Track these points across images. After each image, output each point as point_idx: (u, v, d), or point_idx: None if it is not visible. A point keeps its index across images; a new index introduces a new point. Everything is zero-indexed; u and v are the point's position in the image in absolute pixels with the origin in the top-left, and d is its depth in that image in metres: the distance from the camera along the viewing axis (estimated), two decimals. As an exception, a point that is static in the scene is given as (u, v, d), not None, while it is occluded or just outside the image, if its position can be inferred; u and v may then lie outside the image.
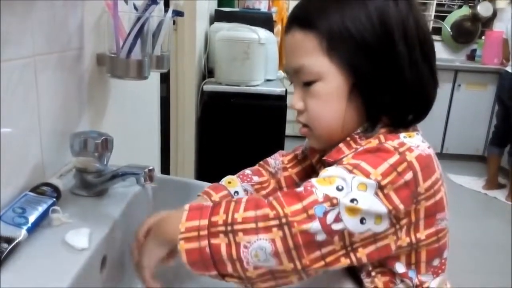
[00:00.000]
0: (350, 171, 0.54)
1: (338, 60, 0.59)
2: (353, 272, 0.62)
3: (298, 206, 0.51)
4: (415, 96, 0.61)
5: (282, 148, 2.04)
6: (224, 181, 0.75)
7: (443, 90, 3.99)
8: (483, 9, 4.39)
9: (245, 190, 0.74)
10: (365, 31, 0.58)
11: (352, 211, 0.51)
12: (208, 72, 2.32)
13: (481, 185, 3.55)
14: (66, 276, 0.49)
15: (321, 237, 0.51)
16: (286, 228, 0.51)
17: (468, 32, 4.49)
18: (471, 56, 4.49)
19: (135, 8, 0.79)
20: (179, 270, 0.74)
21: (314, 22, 0.60)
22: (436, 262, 0.62)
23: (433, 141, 4.46)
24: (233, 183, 0.75)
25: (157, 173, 0.88)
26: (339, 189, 0.52)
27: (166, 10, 0.89)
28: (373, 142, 0.59)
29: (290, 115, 2.68)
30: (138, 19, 0.72)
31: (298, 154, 0.79)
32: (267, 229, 0.51)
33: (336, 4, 0.60)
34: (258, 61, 2.08)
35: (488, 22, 4.46)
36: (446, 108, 4.08)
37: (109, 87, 0.92)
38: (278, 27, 3.30)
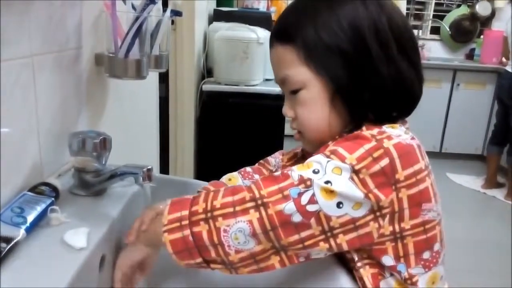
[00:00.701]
0: (327, 156, 0.57)
1: (315, 69, 0.63)
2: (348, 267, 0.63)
3: (274, 187, 0.55)
4: (396, 93, 0.63)
5: (281, 148, 2.04)
6: (224, 178, 0.77)
7: (442, 90, 3.99)
8: (482, 9, 4.39)
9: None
10: (337, 38, 0.61)
11: (327, 192, 0.54)
12: (207, 72, 2.32)
13: (480, 184, 3.56)
14: (65, 276, 0.49)
15: (297, 218, 0.54)
16: (262, 208, 0.54)
17: (467, 32, 4.49)
18: (470, 56, 4.49)
19: (133, 7, 0.79)
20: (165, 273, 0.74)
21: (291, 36, 0.64)
22: (426, 255, 0.61)
23: (432, 140, 4.44)
24: (233, 180, 0.76)
25: (156, 172, 0.88)
26: (315, 172, 0.55)
27: (164, 10, 0.89)
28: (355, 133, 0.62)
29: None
30: (136, 18, 0.72)
31: (297, 152, 0.81)
32: (244, 211, 0.55)
33: (309, 16, 0.63)
34: (257, 60, 2.08)
35: (486, 21, 4.46)
36: (445, 107, 4.08)
37: (107, 87, 0.92)
38: (277, 27, 3.30)
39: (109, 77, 0.79)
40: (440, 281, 0.65)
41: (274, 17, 3.04)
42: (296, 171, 0.56)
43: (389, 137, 0.58)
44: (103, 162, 0.69)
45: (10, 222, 0.54)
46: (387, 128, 0.60)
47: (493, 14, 4.42)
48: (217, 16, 2.50)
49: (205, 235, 0.55)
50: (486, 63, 4.14)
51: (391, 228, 0.57)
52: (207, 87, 2.12)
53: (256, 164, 0.83)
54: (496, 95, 3.37)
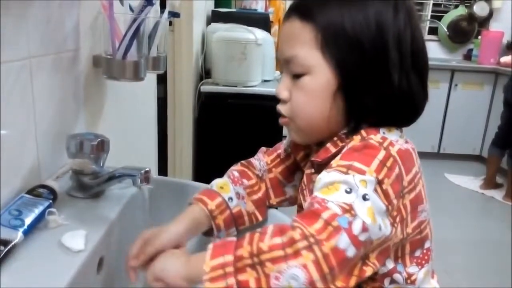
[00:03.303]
0: (346, 173, 0.53)
1: (330, 57, 0.60)
2: None
3: (319, 223, 0.49)
4: (401, 105, 0.61)
5: (280, 149, 2.04)
6: (215, 186, 0.73)
7: (439, 90, 4.00)
8: (480, 9, 4.40)
9: (237, 193, 0.72)
10: (360, 32, 0.58)
11: (372, 213, 0.51)
12: (205, 73, 2.32)
13: (478, 185, 3.56)
14: (63, 278, 0.49)
15: (351, 251, 0.48)
16: (316, 248, 0.48)
17: (465, 32, 4.50)
18: (468, 56, 4.50)
19: (131, 9, 0.79)
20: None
21: (313, 15, 0.60)
22: (418, 253, 0.63)
23: (430, 141, 4.44)
24: (225, 188, 0.72)
25: (154, 174, 0.88)
26: (347, 192, 0.52)
27: (162, 11, 0.89)
28: (356, 139, 0.60)
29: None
30: (134, 20, 0.72)
31: (280, 153, 0.79)
32: (297, 254, 0.48)
33: (339, 1, 0.60)
34: (255, 61, 2.08)
35: (484, 22, 4.47)
36: (443, 108, 4.08)
37: (105, 88, 0.92)
38: (275, 28, 3.30)
39: (107, 79, 0.79)
40: (430, 277, 0.67)
41: (272, 18, 3.05)
42: (330, 199, 0.51)
43: (392, 144, 0.57)
44: (101, 164, 0.69)
45: (8, 225, 0.54)
46: (384, 134, 0.60)
47: (490, 14, 4.43)
48: (215, 17, 2.50)
49: (252, 284, 0.48)
50: (484, 63, 4.15)
51: (401, 236, 0.57)
52: (205, 88, 2.12)
53: (239, 165, 0.78)
54: (503, 97, 3.34)
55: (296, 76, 0.62)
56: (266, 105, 2.09)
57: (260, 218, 0.74)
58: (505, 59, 4.02)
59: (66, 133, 0.69)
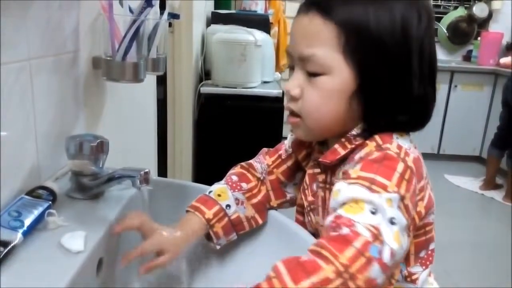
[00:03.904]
0: (370, 189, 0.52)
1: (351, 58, 0.58)
2: None
3: (351, 251, 0.47)
4: (416, 110, 0.61)
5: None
6: (213, 193, 0.71)
7: (439, 91, 3.97)
8: (479, 10, 4.40)
9: (237, 199, 0.71)
10: (385, 36, 0.57)
11: (397, 237, 0.50)
12: (205, 74, 2.32)
13: (478, 186, 3.56)
14: (62, 279, 0.49)
15: (381, 278, 0.48)
16: (351, 283, 0.46)
17: (464, 33, 4.50)
18: (467, 57, 4.51)
19: (131, 10, 0.79)
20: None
21: (337, 13, 0.57)
22: (423, 254, 0.64)
23: (430, 142, 4.46)
24: (223, 195, 0.71)
25: (154, 175, 0.88)
26: (373, 212, 0.51)
27: (162, 13, 0.89)
28: (371, 145, 0.59)
29: (287, 117, 2.68)
30: (134, 21, 0.72)
31: (281, 153, 0.78)
32: None
33: (364, 0, 0.58)
34: (255, 63, 2.08)
35: (484, 23, 4.48)
36: (442, 109, 4.08)
37: (105, 90, 0.92)
38: (275, 29, 3.30)
39: (106, 80, 0.79)
40: (431, 278, 0.68)
41: (272, 19, 3.05)
42: (357, 219, 0.50)
43: (407, 154, 0.57)
44: (101, 166, 0.69)
45: (8, 226, 0.54)
46: (398, 140, 0.59)
47: (490, 15, 4.44)
48: (215, 19, 2.50)
49: None
50: (483, 64, 4.16)
51: (410, 239, 0.57)
52: (205, 89, 2.12)
53: (239, 168, 0.77)
54: (502, 98, 3.33)
55: (312, 74, 0.60)
56: (265, 107, 2.10)
57: (260, 222, 0.74)
58: (505, 60, 4.02)
59: (65, 135, 0.69)
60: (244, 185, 0.74)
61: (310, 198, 0.70)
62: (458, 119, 4.11)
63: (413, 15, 0.58)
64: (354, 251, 0.47)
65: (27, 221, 0.55)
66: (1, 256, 0.50)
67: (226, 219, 0.69)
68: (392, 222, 0.50)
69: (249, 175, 0.76)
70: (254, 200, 0.74)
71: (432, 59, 0.61)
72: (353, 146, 0.61)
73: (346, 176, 0.56)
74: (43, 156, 0.68)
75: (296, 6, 4.10)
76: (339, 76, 0.59)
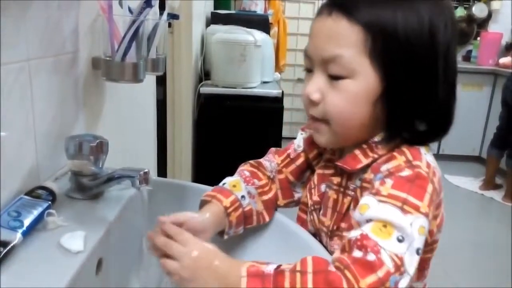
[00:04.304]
0: (402, 209, 0.51)
1: (378, 62, 0.56)
2: None
3: (373, 278, 0.48)
4: (441, 116, 0.60)
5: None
6: (228, 184, 0.72)
7: (439, 91, 4.00)
8: (478, 10, 4.41)
9: (249, 193, 0.72)
10: (414, 38, 0.56)
11: (417, 263, 0.51)
12: (204, 75, 2.32)
13: (477, 186, 3.56)
14: (62, 279, 0.49)
15: None
16: None
17: (464, 33, 4.50)
18: (467, 57, 4.51)
19: (130, 11, 0.80)
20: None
21: (363, 15, 0.56)
22: (426, 271, 0.64)
23: (429, 142, 4.45)
24: (238, 186, 0.71)
25: (153, 175, 0.88)
26: (399, 240, 0.50)
27: (161, 13, 0.89)
28: (400, 159, 0.57)
29: (287, 117, 2.69)
30: (133, 22, 0.72)
31: (290, 153, 0.78)
32: None
33: (390, 2, 0.56)
34: (255, 63, 2.09)
35: (483, 23, 4.48)
36: (442, 109, 4.09)
37: (104, 90, 0.92)
38: (275, 29, 3.31)
39: (106, 81, 0.79)
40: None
41: (272, 19, 3.05)
42: (384, 249, 0.49)
43: (434, 173, 0.56)
44: (100, 166, 0.69)
45: (7, 226, 0.54)
46: (426, 155, 0.58)
47: (489, 16, 4.44)
48: (214, 19, 2.50)
49: None
50: (483, 65, 4.16)
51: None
52: (204, 89, 2.12)
53: (249, 166, 0.77)
54: (502, 97, 3.34)
55: (334, 78, 0.58)
56: (265, 107, 2.10)
57: (267, 219, 0.74)
58: (504, 60, 4.02)
59: (65, 135, 0.69)
60: (256, 181, 0.74)
61: (315, 198, 0.70)
62: (458, 119, 4.00)
63: (440, 19, 0.57)
64: (376, 279, 0.47)
65: (27, 221, 0.55)
66: (1, 256, 0.50)
67: (240, 209, 0.69)
68: (418, 252, 0.50)
69: (259, 173, 0.76)
70: (265, 197, 0.74)
71: (456, 64, 0.61)
72: (376, 156, 0.59)
73: (375, 191, 0.54)
74: (42, 156, 0.68)
75: (295, 6, 4.11)
76: (364, 79, 0.57)
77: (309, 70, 0.62)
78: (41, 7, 0.64)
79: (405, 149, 0.58)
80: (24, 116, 0.63)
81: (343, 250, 0.52)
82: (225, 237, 0.70)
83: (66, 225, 0.60)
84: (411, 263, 0.50)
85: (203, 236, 0.61)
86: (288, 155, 0.78)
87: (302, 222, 0.75)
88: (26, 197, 0.60)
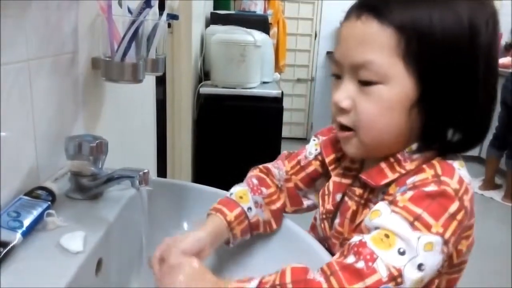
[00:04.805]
0: (412, 224, 0.49)
1: (413, 66, 0.53)
2: None
3: (360, 285, 0.46)
4: (479, 123, 0.56)
5: (279, 151, 2.05)
6: (234, 195, 0.70)
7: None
8: (478, 11, 4.40)
9: (256, 202, 0.70)
10: (452, 40, 0.52)
11: (420, 281, 0.48)
12: (204, 75, 2.32)
13: (477, 186, 3.56)
14: (61, 280, 0.49)
15: None
16: None
17: (463, 33, 4.50)
18: (467, 57, 4.51)
19: (130, 11, 0.80)
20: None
21: (395, 16, 0.52)
22: None
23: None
24: (244, 198, 0.69)
25: (153, 176, 0.88)
26: (400, 252, 0.48)
27: (161, 13, 0.89)
28: (428, 172, 0.53)
29: (287, 117, 2.69)
30: (133, 22, 0.72)
31: (300, 159, 0.75)
32: None
33: (425, 1, 0.53)
34: (254, 63, 2.09)
35: (483, 23, 4.48)
36: (442, 109, 4.08)
37: (104, 90, 0.92)
38: (274, 30, 3.31)
39: (105, 81, 0.79)
40: None
41: (271, 19, 3.05)
42: (380, 256, 0.47)
43: (467, 190, 0.53)
44: (100, 166, 0.69)
45: (7, 226, 0.54)
46: (460, 171, 0.54)
47: (489, 16, 4.44)
48: (214, 19, 2.51)
49: None
50: (482, 65, 4.15)
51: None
52: (204, 90, 2.12)
53: (258, 171, 0.75)
54: (501, 98, 3.33)
55: (365, 83, 0.55)
56: (265, 107, 2.10)
57: (275, 227, 0.73)
58: (503, 60, 4.01)
59: (64, 135, 0.69)
60: (264, 189, 0.72)
61: (328, 207, 0.68)
62: (458, 119, 4.10)
63: (481, 18, 0.53)
64: (362, 286, 0.46)
65: (26, 222, 0.55)
66: (1, 256, 0.50)
67: (246, 222, 0.68)
68: (420, 268, 0.48)
69: (268, 180, 0.74)
70: (273, 207, 0.72)
71: (497, 66, 0.57)
72: (403, 171, 0.56)
73: (392, 199, 0.52)
74: (42, 157, 0.68)
75: (295, 6, 4.11)
76: (398, 85, 0.53)
77: (338, 76, 0.59)
78: (40, 7, 0.64)
79: (436, 162, 0.54)
80: (23, 116, 0.63)
81: (341, 254, 0.51)
82: (231, 246, 0.69)
83: (65, 226, 0.60)
84: (413, 279, 0.47)
85: (201, 255, 0.60)
86: (299, 162, 0.75)
87: (312, 227, 0.74)
88: (26, 197, 0.60)
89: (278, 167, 0.76)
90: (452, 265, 0.56)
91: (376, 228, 0.51)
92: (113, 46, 0.74)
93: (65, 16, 0.73)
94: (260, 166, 0.76)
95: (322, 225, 0.69)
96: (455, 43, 0.52)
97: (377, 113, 0.55)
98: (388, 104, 0.54)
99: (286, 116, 2.20)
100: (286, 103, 2.23)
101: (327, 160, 0.69)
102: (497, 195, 3.42)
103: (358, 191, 0.63)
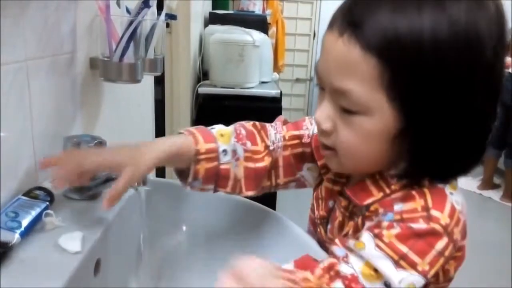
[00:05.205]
0: (396, 263, 0.47)
1: (396, 98, 0.47)
2: None
3: None
4: (476, 147, 0.51)
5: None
6: (216, 131, 0.63)
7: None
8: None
9: (234, 151, 0.63)
10: (448, 68, 0.45)
11: None
12: (202, 75, 2.32)
13: (476, 185, 3.57)
14: (60, 280, 0.49)
15: None
16: None
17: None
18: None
19: (128, 11, 0.80)
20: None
21: (382, 45, 0.45)
22: None
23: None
24: (225, 137, 0.63)
25: (151, 176, 0.88)
26: (386, 285, 0.47)
27: (159, 13, 0.89)
28: (418, 202, 0.50)
29: (285, 117, 2.69)
30: (131, 22, 0.72)
31: (302, 134, 0.68)
32: None
33: (416, 20, 0.45)
34: (253, 63, 2.09)
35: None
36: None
37: (102, 90, 0.92)
38: (273, 29, 3.31)
39: (104, 81, 0.79)
40: None
41: (270, 19, 3.05)
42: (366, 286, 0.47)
43: (458, 221, 0.50)
44: (98, 166, 0.69)
45: (5, 227, 0.54)
46: (451, 196, 0.51)
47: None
48: (212, 19, 2.51)
49: None
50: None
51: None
52: (203, 89, 2.12)
53: (251, 125, 0.68)
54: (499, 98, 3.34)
55: (347, 111, 0.50)
56: (263, 107, 2.10)
57: (244, 191, 0.65)
58: (502, 60, 4.03)
59: (63, 135, 0.69)
60: (248, 143, 0.65)
61: (322, 213, 0.66)
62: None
63: (483, 34, 0.46)
64: None
65: (25, 222, 0.55)
66: (-2, 257, 0.50)
67: (215, 163, 0.61)
68: None
69: (258, 137, 0.66)
70: (250, 165, 0.64)
71: (502, 81, 0.50)
72: (388, 191, 0.53)
73: (378, 232, 0.49)
74: (40, 157, 0.67)
75: (293, 6, 4.10)
76: (381, 117, 0.49)
77: (322, 88, 0.54)
78: (39, 7, 0.64)
79: (426, 190, 0.50)
80: (22, 116, 0.63)
81: (328, 269, 0.50)
82: (188, 188, 0.62)
83: (64, 226, 0.60)
84: None
85: (131, 169, 0.54)
86: (299, 137, 0.68)
87: (311, 228, 0.72)
88: (24, 197, 0.60)
89: (276, 129, 0.69)
90: (437, 282, 0.55)
91: (361, 257, 0.50)
92: (112, 46, 0.74)
93: (63, 16, 0.73)
94: (256, 122, 0.69)
95: (318, 229, 0.68)
96: (449, 76, 0.46)
97: (358, 143, 0.51)
98: (370, 135, 0.51)
99: (284, 116, 2.20)
100: (285, 103, 2.23)
101: (319, 163, 0.66)
102: (495, 195, 3.43)
103: (344, 202, 0.61)
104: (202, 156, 0.60)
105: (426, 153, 0.50)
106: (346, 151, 0.53)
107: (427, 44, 0.45)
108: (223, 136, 0.63)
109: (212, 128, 0.64)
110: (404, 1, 0.46)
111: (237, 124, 0.68)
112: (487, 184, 3.52)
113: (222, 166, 0.62)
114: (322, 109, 0.53)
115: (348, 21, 0.48)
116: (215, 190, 0.64)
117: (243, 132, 0.66)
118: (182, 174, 0.63)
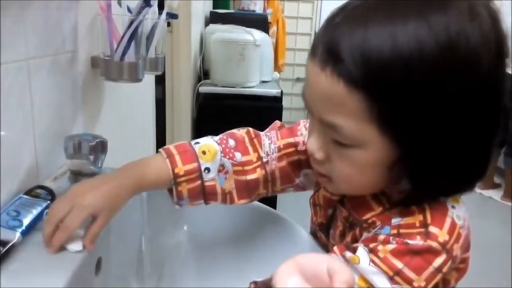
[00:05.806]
0: (391, 279, 0.46)
1: (390, 129, 0.45)
2: None
3: None
4: (479, 163, 0.50)
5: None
6: (199, 148, 0.62)
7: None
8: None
9: (222, 166, 0.62)
10: (439, 101, 0.43)
11: None
12: (203, 74, 2.32)
13: (476, 185, 3.57)
14: (61, 279, 0.49)
15: None
16: None
17: (463, 33, 4.50)
18: (466, 57, 4.51)
19: (129, 10, 0.80)
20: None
21: (365, 75, 0.42)
22: None
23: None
24: (209, 155, 0.61)
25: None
26: None
27: (160, 13, 0.89)
28: (416, 217, 0.49)
29: (286, 116, 2.69)
30: (132, 21, 0.72)
31: (297, 142, 0.67)
32: None
33: (402, 58, 0.41)
34: (254, 62, 2.09)
35: (482, 22, 4.48)
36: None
37: (103, 89, 0.92)
38: (274, 29, 3.31)
39: (105, 80, 0.79)
40: None
41: (271, 19, 3.05)
42: None
43: (459, 236, 0.49)
44: (99, 165, 0.69)
45: (6, 226, 0.54)
46: (454, 210, 0.50)
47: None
48: (213, 18, 2.51)
49: None
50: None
51: None
52: (203, 89, 2.12)
53: (244, 133, 0.67)
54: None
55: (339, 143, 0.49)
56: (264, 106, 2.10)
57: (237, 201, 0.64)
58: (503, 59, 4.02)
59: (64, 134, 0.69)
60: (238, 155, 0.63)
61: (320, 220, 0.65)
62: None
63: (477, 48, 0.42)
64: None
65: (26, 221, 0.55)
66: (0, 255, 0.50)
67: (198, 182, 0.60)
68: None
69: (250, 147, 0.65)
70: (241, 178, 0.63)
71: (504, 94, 0.46)
72: (388, 206, 0.52)
73: (373, 247, 0.48)
74: (41, 156, 0.68)
75: (294, 5, 4.09)
76: (374, 148, 0.47)
77: (312, 113, 0.52)
78: (40, 6, 0.64)
79: (426, 205, 0.49)
80: (23, 115, 0.63)
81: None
82: (176, 207, 0.63)
83: (65, 225, 0.60)
84: None
85: (104, 215, 0.55)
86: (295, 145, 0.67)
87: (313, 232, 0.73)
88: (25, 196, 0.60)
89: (271, 139, 0.67)
90: None
91: (355, 270, 0.49)
92: (113, 45, 0.74)
93: (64, 15, 0.73)
94: (251, 129, 0.68)
95: (318, 234, 0.68)
96: (442, 96, 0.43)
97: (353, 173, 0.50)
98: (365, 166, 0.49)
99: (285, 115, 2.20)
100: (285, 102, 2.23)
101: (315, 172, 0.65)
102: (496, 194, 3.42)
103: (344, 212, 0.59)
104: (182, 179, 0.60)
105: (427, 176, 0.48)
106: (341, 180, 0.52)
107: (414, 70, 0.41)
108: (206, 153, 0.62)
109: (196, 143, 0.63)
110: (384, 23, 0.43)
111: (225, 135, 0.67)
112: (487, 183, 3.52)
113: (207, 183, 0.61)
114: (314, 140, 0.52)
115: (328, 52, 0.45)
116: (206, 203, 0.64)
117: (231, 143, 0.64)
118: (171, 192, 0.62)
